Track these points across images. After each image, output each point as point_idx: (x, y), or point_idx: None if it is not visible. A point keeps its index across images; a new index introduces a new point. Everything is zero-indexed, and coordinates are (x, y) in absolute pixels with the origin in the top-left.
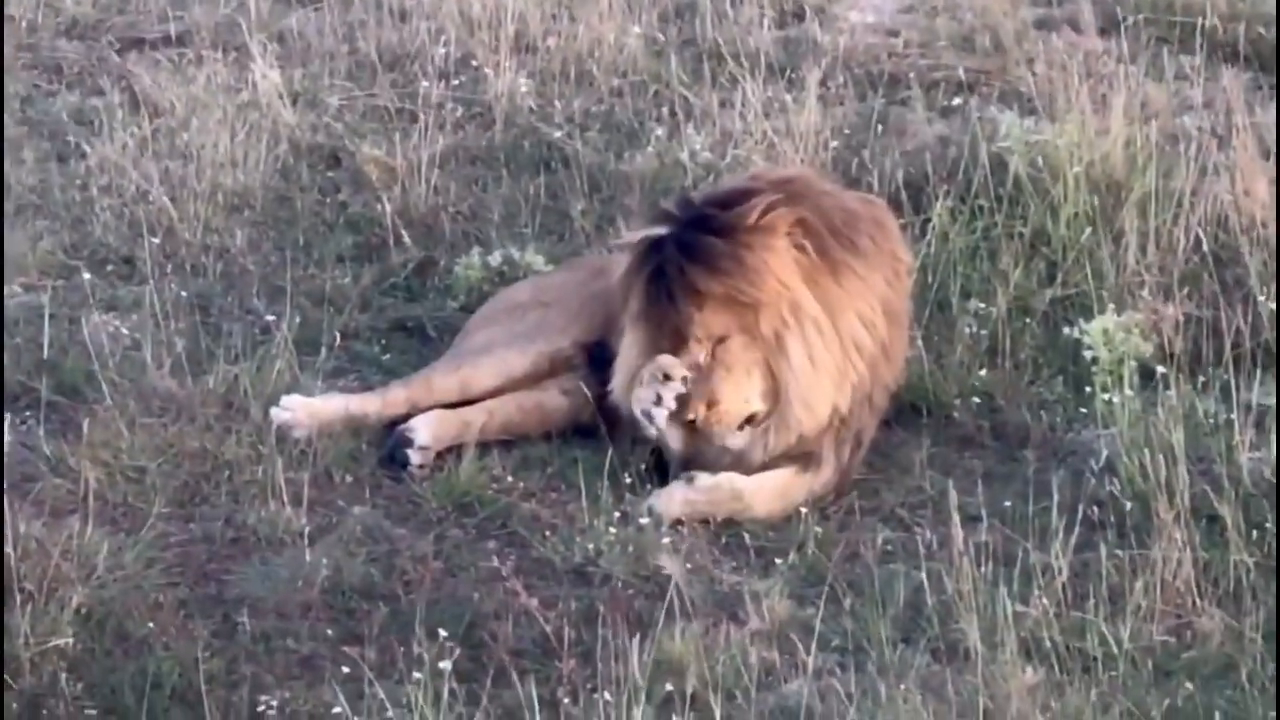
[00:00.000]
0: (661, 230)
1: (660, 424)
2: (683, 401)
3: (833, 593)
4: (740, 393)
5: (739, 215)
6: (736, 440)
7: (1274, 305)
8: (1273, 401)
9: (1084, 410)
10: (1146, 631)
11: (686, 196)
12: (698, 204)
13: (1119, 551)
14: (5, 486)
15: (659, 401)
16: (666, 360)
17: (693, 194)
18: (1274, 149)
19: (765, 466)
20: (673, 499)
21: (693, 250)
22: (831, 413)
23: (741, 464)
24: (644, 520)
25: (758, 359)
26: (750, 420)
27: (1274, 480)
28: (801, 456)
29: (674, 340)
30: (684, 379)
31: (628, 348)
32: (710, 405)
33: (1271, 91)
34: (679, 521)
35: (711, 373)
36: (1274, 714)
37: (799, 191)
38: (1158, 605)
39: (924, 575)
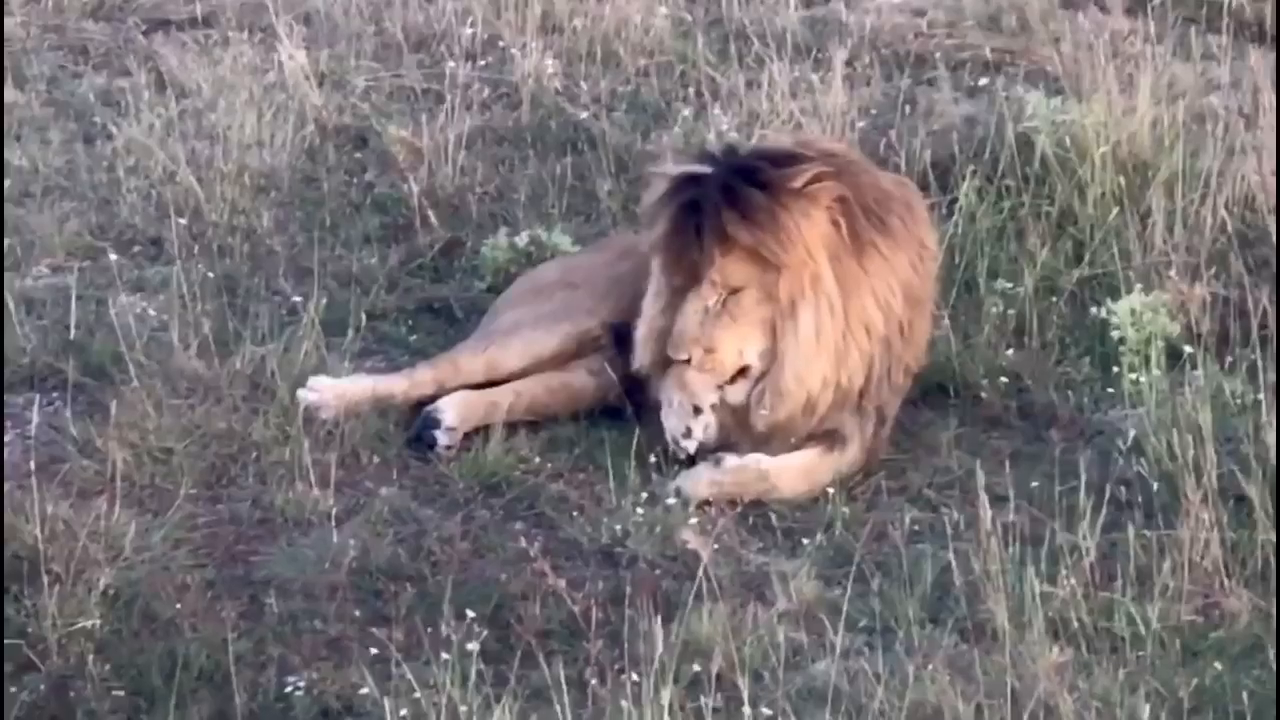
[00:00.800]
0: (703, 169)
1: (689, 451)
2: (680, 341)
3: (860, 573)
4: (738, 344)
5: (785, 176)
6: (734, 393)
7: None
8: None
9: (1111, 390)
10: (1174, 612)
11: (734, 144)
12: (746, 154)
13: (1146, 532)
14: (34, 468)
15: (688, 434)
16: (699, 387)
17: (742, 144)
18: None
19: (762, 436)
20: (699, 480)
21: (732, 195)
22: (822, 387)
23: (743, 427)
24: (671, 501)
25: (765, 318)
26: (743, 373)
27: None
28: (826, 436)
29: (688, 276)
30: (713, 407)
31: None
32: (708, 350)
33: None
34: (706, 502)
35: (718, 320)
36: None
37: (843, 167)
38: (1185, 585)
39: (951, 555)
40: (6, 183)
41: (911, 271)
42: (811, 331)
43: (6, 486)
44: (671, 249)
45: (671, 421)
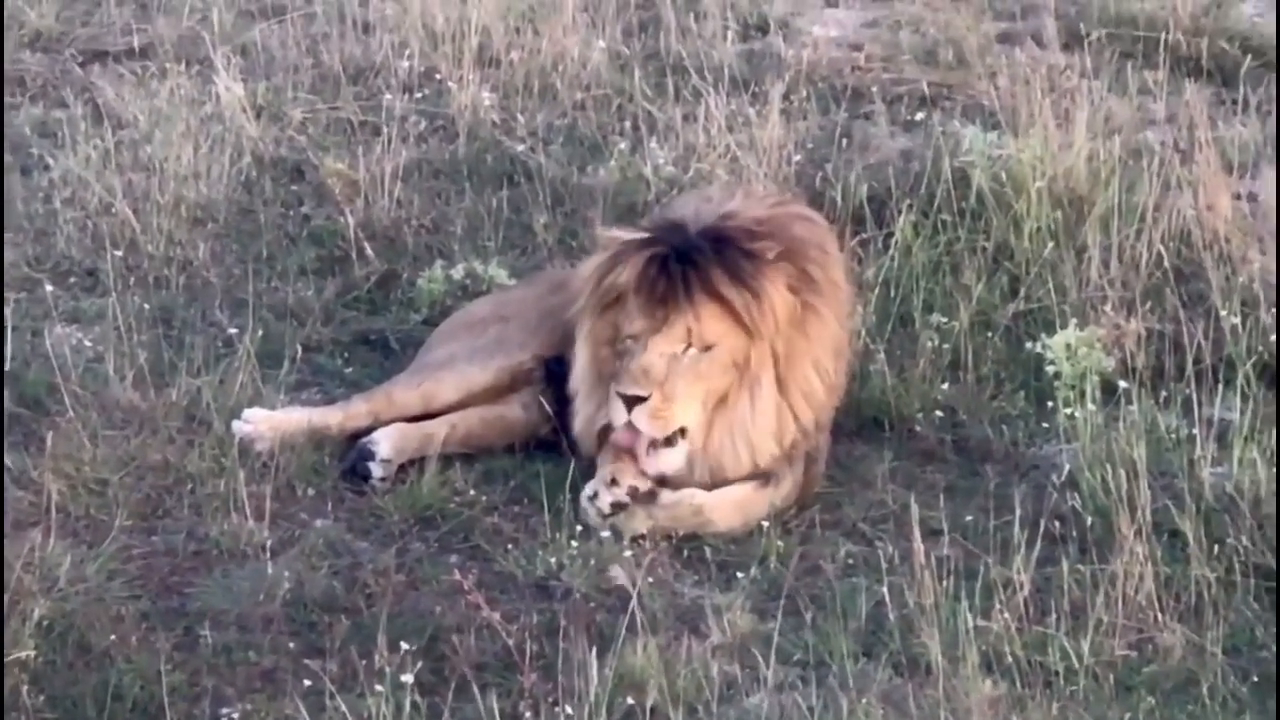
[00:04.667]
0: (659, 237)
1: (592, 518)
2: (640, 377)
3: (794, 606)
4: (692, 403)
5: (760, 248)
6: (662, 460)
7: (1235, 320)
8: (1235, 416)
9: (1046, 425)
10: (1108, 646)
11: (677, 219)
12: (710, 224)
13: (1080, 566)
14: None
15: (595, 498)
16: (623, 468)
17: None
18: (1275, 155)
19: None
20: (634, 514)
21: (722, 258)
22: (768, 459)
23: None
24: (605, 535)
25: (721, 386)
26: (681, 433)
27: (1234, 495)
28: (760, 473)
29: (660, 320)
30: (631, 491)
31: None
32: (666, 399)
33: (1235, 105)
34: (641, 536)
35: (683, 372)
36: None
37: (778, 229)
38: (1119, 620)
39: (885, 589)
40: None
41: (838, 325)
42: (769, 405)
43: None
44: (645, 295)
45: (590, 483)
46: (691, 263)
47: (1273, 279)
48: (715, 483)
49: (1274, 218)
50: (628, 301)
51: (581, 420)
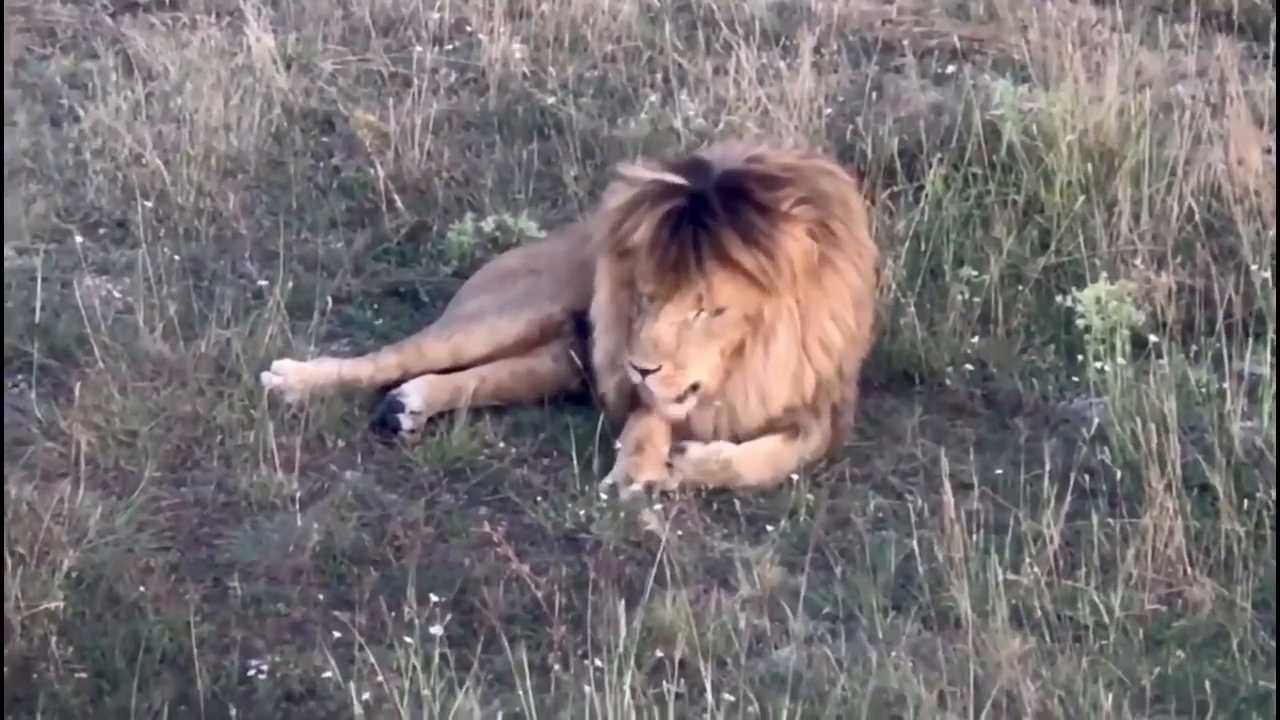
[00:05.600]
0: (678, 179)
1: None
2: (650, 351)
3: (823, 560)
4: (706, 363)
5: (777, 199)
6: (676, 410)
7: (1267, 274)
8: (1266, 370)
9: (1076, 379)
10: (1137, 600)
11: (701, 158)
12: (730, 171)
13: (1110, 520)
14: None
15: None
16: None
17: (708, 156)
18: (1271, 118)
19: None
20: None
21: (736, 218)
22: (781, 407)
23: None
24: (635, 487)
25: (735, 339)
26: (694, 389)
27: (1265, 449)
28: (788, 425)
29: (669, 287)
30: (648, 485)
31: (609, 281)
32: (678, 366)
33: (1266, 60)
34: (669, 491)
35: (694, 337)
36: (1268, 684)
37: (801, 179)
38: (1149, 574)
39: (915, 543)
40: None
41: (857, 277)
42: (782, 356)
43: None
44: (657, 259)
45: (611, 475)
46: (703, 225)
47: None
48: (733, 432)
49: None
50: (640, 258)
51: (600, 353)
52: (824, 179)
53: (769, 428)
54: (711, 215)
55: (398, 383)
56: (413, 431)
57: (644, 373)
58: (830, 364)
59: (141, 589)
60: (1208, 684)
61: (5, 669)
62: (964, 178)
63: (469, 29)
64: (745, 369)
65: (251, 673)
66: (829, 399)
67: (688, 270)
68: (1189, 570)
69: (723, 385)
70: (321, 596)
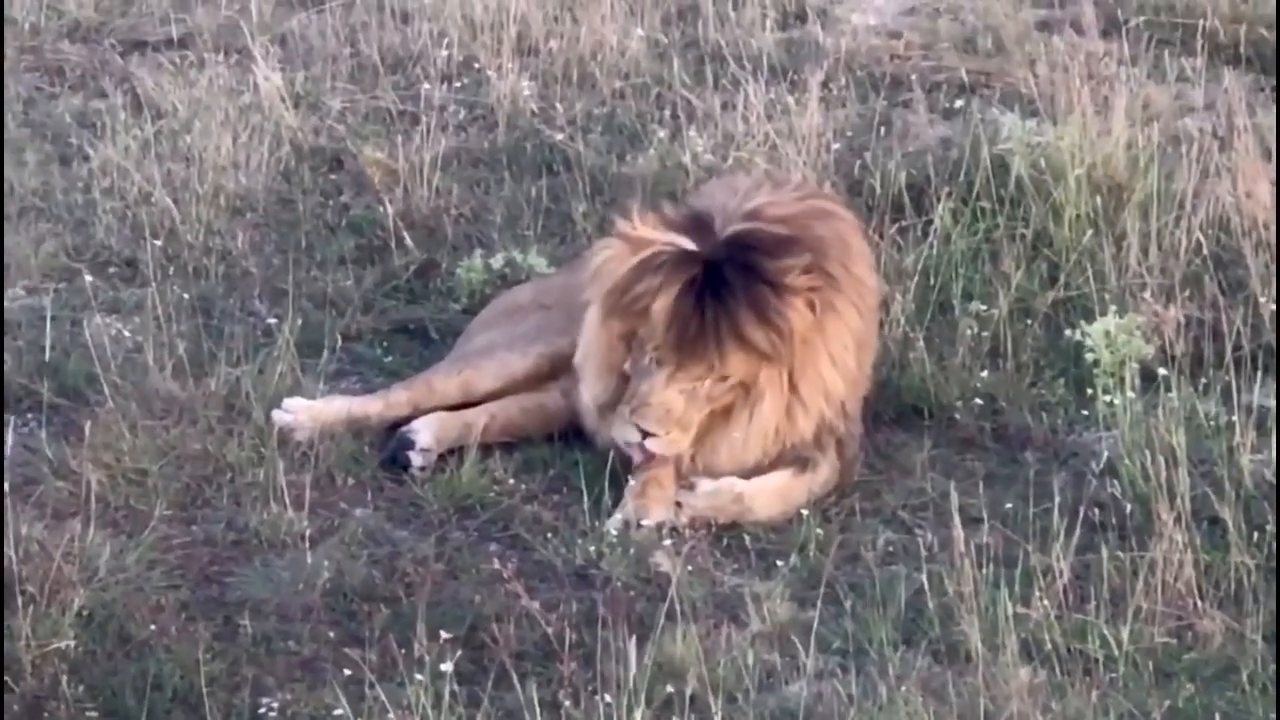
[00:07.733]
0: (690, 244)
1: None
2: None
3: (833, 594)
4: (696, 420)
5: (782, 269)
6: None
7: (1275, 307)
8: (1274, 403)
9: (1085, 412)
10: (1147, 633)
11: (704, 214)
12: (736, 236)
13: (1120, 553)
14: (7, 489)
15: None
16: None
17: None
18: (1275, 150)
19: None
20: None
21: (750, 295)
22: (759, 458)
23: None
24: (646, 522)
25: (727, 402)
26: None
27: (1274, 482)
28: (797, 459)
29: (686, 355)
30: (658, 527)
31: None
32: (683, 431)
33: (1273, 94)
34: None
35: (698, 403)
36: (1275, 716)
37: (801, 228)
38: (1159, 607)
39: (925, 577)
40: None
41: (858, 318)
42: (766, 420)
43: None
44: (676, 331)
45: (617, 517)
46: (721, 300)
47: None
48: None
49: None
50: (654, 325)
51: (588, 398)
52: (821, 224)
53: (777, 463)
54: (729, 290)
55: (408, 419)
56: (423, 468)
57: (645, 434)
58: (830, 408)
59: (152, 627)
60: (1218, 717)
61: (17, 708)
62: (972, 212)
63: (477, 66)
64: (728, 426)
65: (262, 710)
66: (833, 435)
67: (705, 344)
68: (1199, 603)
69: (698, 443)
70: (332, 634)
